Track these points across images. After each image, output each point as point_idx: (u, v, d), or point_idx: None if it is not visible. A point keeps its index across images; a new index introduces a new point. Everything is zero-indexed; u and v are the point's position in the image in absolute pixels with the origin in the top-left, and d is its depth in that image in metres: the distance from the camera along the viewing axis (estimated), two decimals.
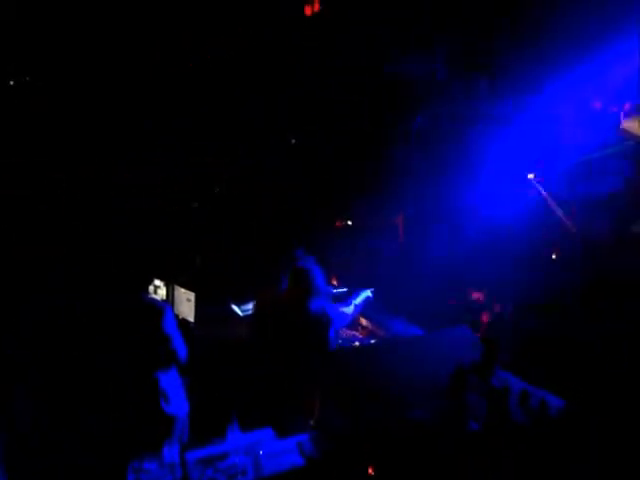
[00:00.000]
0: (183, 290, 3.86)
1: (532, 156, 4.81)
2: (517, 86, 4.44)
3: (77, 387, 2.64)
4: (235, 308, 3.80)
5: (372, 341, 3.38)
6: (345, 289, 3.59)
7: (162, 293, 4.05)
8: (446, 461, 1.60)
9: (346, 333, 3.41)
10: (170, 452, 2.05)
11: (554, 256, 4.82)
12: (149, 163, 5.02)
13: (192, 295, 3.75)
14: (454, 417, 1.82)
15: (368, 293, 3.20)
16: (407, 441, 1.75)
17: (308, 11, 4.43)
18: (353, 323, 3.60)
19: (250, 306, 3.60)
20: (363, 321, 3.59)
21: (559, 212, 4.72)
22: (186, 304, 3.75)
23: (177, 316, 3.73)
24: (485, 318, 4.48)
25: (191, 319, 3.70)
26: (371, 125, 5.35)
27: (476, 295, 4.74)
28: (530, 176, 4.87)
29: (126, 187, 4.92)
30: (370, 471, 1.75)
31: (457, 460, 1.60)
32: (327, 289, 2.94)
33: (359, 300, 3.11)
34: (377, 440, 1.83)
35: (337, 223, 6.33)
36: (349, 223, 6.27)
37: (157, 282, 3.98)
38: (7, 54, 4.16)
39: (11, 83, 4.34)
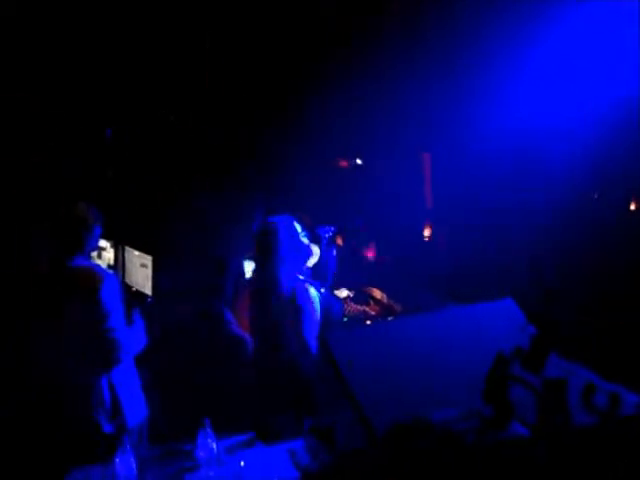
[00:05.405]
0: (137, 253, 3.82)
1: None
2: None
3: None
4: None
5: (388, 318, 3.39)
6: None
7: (109, 257, 4.01)
8: (484, 475, 1.60)
9: (353, 309, 3.41)
10: (124, 464, 2.06)
11: (596, 196, 4.90)
12: None
13: (149, 259, 3.70)
14: (493, 418, 1.80)
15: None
16: (433, 449, 1.75)
17: None
18: (363, 296, 3.59)
19: None
20: (376, 293, 3.58)
21: None
22: (141, 271, 3.72)
23: (130, 288, 3.72)
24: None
25: (148, 291, 3.67)
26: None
27: None
28: None
29: None
30: None
31: (498, 474, 1.60)
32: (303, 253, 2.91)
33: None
34: (393, 448, 1.83)
35: (342, 163, 6.23)
36: (358, 162, 6.18)
37: (102, 242, 3.93)
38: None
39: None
